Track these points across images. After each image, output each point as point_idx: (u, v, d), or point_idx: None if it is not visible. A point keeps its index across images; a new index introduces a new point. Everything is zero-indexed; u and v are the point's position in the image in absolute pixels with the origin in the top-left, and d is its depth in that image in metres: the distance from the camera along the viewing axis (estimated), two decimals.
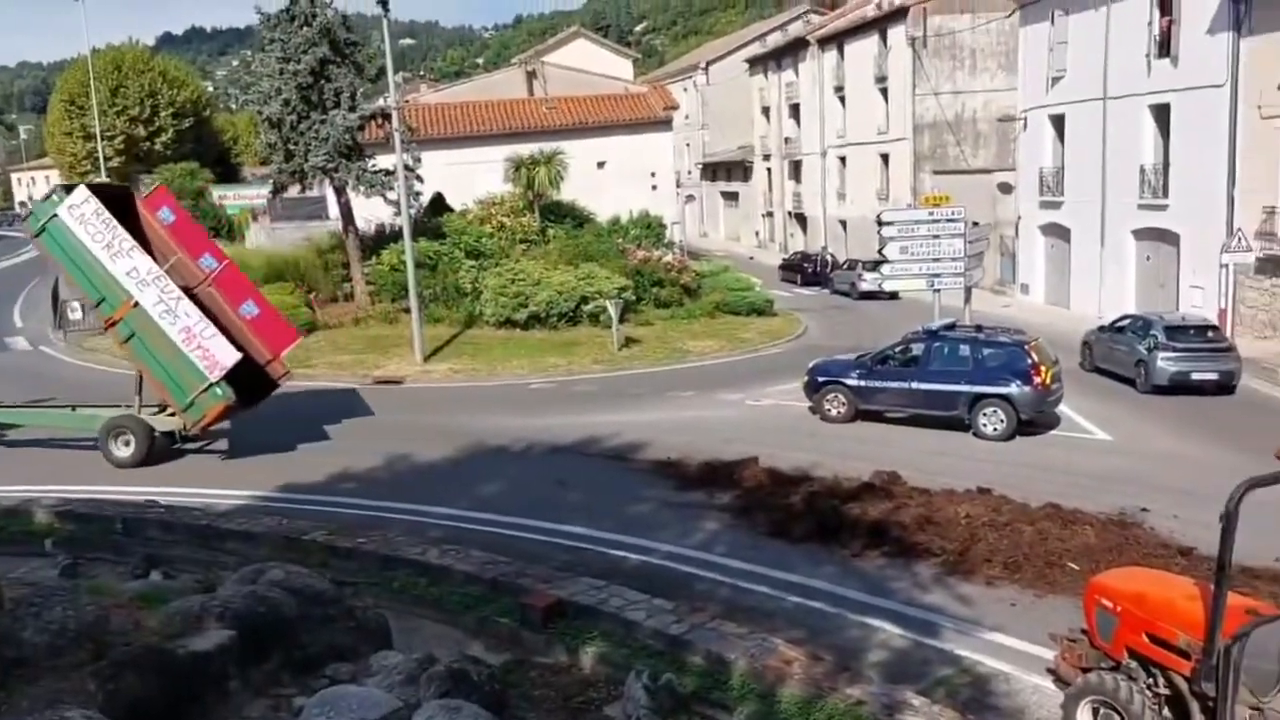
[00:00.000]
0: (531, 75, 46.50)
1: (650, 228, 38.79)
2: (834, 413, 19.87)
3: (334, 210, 34.87)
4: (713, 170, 71.78)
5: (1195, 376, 21.24)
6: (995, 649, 9.95)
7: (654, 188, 41.86)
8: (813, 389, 20.33)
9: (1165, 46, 28.70)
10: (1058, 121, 34.24)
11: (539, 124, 40.87)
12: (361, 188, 30.68)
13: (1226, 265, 26.31)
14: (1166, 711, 7.69)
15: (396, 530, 13.27)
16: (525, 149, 36.15)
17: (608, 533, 13.50)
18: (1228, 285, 26.69)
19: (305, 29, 29.45)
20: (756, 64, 64.09)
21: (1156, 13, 28.89)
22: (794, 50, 57.50)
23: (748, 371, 25.62)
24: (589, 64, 49.78)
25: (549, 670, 9.29)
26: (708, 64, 69.78)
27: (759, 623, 10.29)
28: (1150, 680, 7.79)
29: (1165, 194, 29.14)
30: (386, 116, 29.49)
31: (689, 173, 71.94)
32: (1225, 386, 21.20)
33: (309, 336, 29.70)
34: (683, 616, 9.95)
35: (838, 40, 51.60)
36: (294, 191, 33.68)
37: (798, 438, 18.59)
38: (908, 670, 9.49)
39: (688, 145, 69.96)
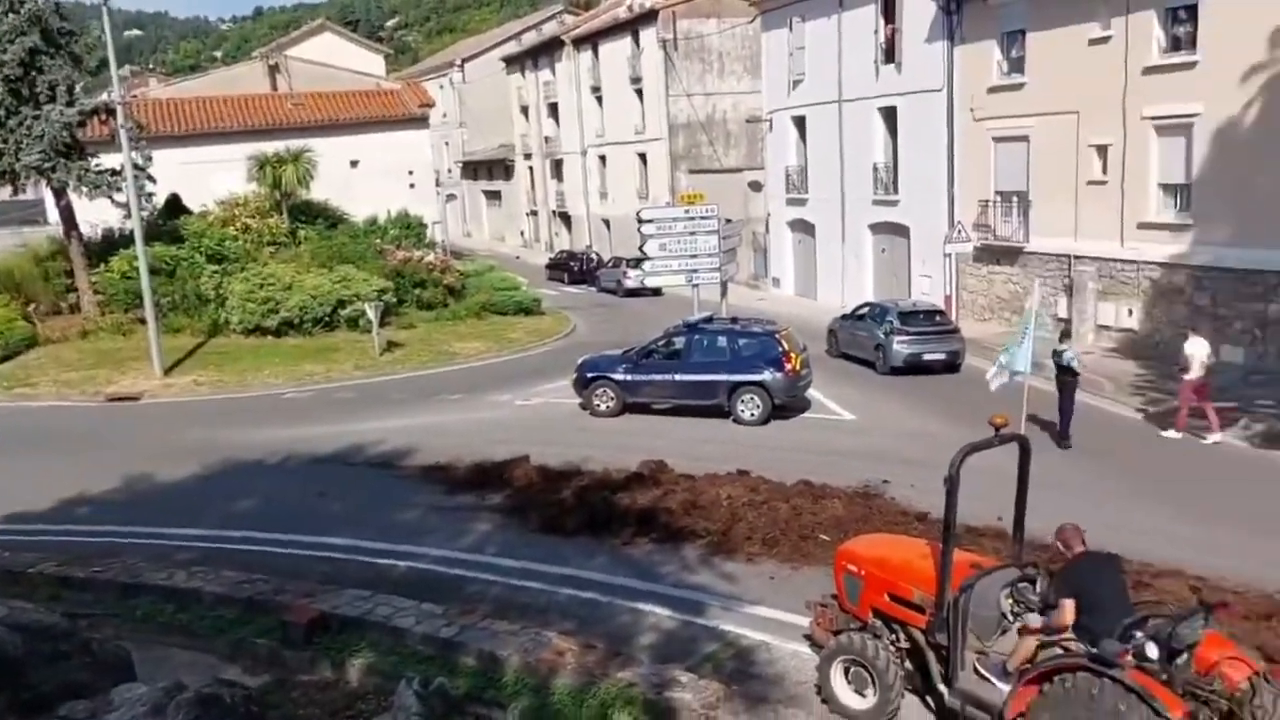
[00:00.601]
0: (274, 70, 44.27)
1: (410, 228, 37.91)
2: (603, 407, 20.18)
3: (54, 214, 31.77)
4: (474, 169, 71.10)
5: (926, 357, 23.11)
6: (757, 621, 10.41)
7: (412, 186, 40.93)
8: (582, 385, 20.55)
9: (890, 53, 31.05)
10: (799, 123, 36.31)
11: (284, 121, 38.94)
12: (84, 189, 28.10)
13: (949, 255, 28.83)
14: (908, 663, 8.32)
15: (139, 556, 12.27)
16: (270, 147, 34.40)
17: (374, 542, 13.08)
18: (951, 273, 29.28)
19: (11, 16, 26.64)
20: (513, 62, 64.03)
21: (882, 21, 31.19)
22: (549, 50, 57.88)
23: (517, 371, 25.56)
24: (337, 59, 47.99)
25: (314, 687, 8.90)
26: (463, 61, 68.99)
27: (532, 618, 10.31)
28: (893, 636, 8.40)
29: (896, 190, 31.55)
30: (111, 112, 27.14)
31: (449, 171, 70.92)
32: (952, 365, 23.18)
33: (29, 353, 27.00)
34: (453, 619, 9.81)
35: (592, 41, 52.42)
36: (5, 194, 30.37)
37: (568, 434, 18.73)
38: (677, 649, 9.77)
39: (446, 143, 68.94)
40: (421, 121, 41.74)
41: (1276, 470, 15.57)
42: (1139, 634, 6.71)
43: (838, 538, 11.85)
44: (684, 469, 15.28)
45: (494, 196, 69.87)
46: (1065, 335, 18.73)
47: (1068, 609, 7.23)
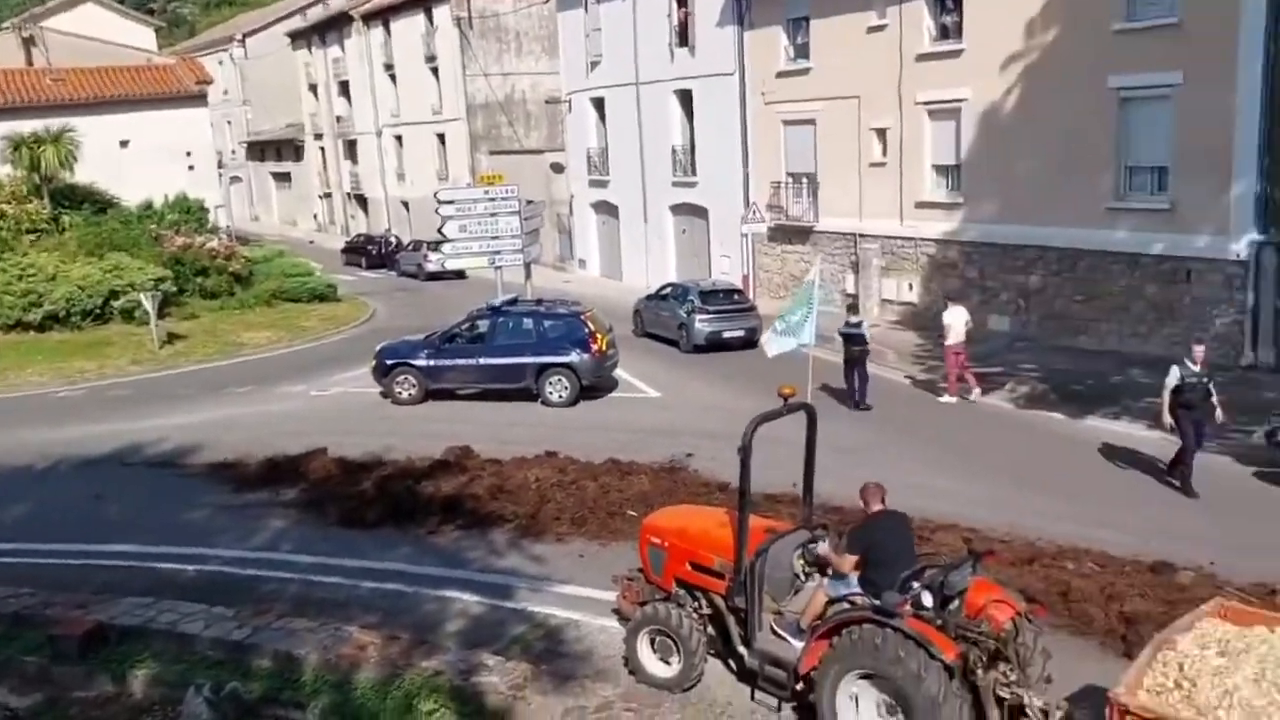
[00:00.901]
0: (29, 42, 40.43)
1: (190, 212, 35.64)
2: (405, 394, 19.69)
3: None
4: (260, 150, 67.55)
5: (726, 335, 23.83)
6: (566, 600, 10.47)
7: (191, 168, 38.36)
8: (382, 372, 19.97)
9: (684, 36, 31.64)
10: (599, 104, 36.48)
11: (43, 98, 35.62)
12: None
13: (746, 235, 29.77)
14: (710, 629, 8.57)
15: None
16: (27, 126, 31.48)
17: (157, 546, 12.29)
18: (748, 253, 30.26)
19: None
20: (299, 38, 61.12)
21: (674, 5, 31.72)
22: (338, 25, 55.57)
23: (312, 361, 24.56)
24: (102, 31, 44.28)
25: (92, 704, 8.28)
26: (244, 36, 65.31)
27: (332, 613, 9.97)
28: (696, 604, 8.63)
29: (694, 172, 32.25)
30: None
31: (233, 153, 67.12)
32: (750, 342, 23.91)
33: None
34: (246, 621, 9.35)
35: (383, 17, 50.75)
36: None
37: (369, 423, 18.18)
38: (485, 634, 9.70)
39: (229, 123, 65.20)
40: (199, 99, 39.17)
41: (1038, 428, 16.97)
42: (916, 585, 7.16)
43: (644, 512, 12.06)
44: (491, 454, 15.13)
45: (283, 179, 66.64)
46: (853, 309, 19.76)
47: (846, 561, 7.72)
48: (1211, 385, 13.39)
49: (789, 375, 13.97)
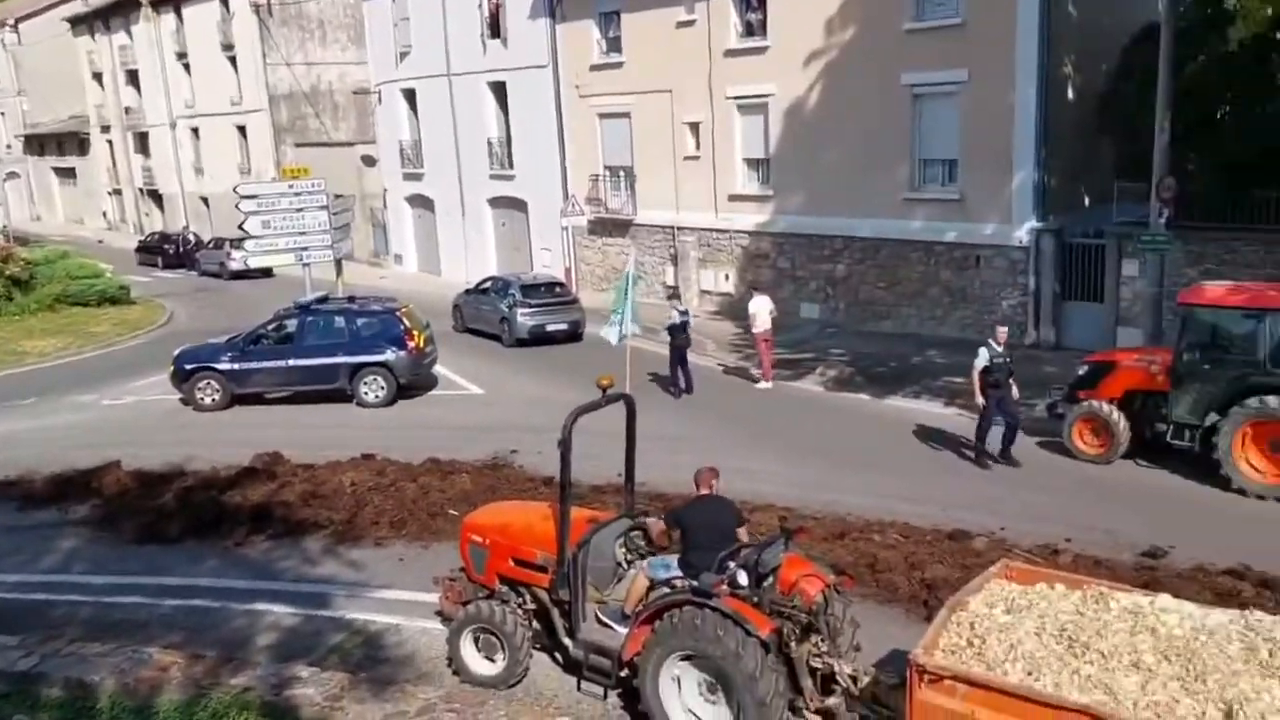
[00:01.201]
0: None
1: None
2: (207, 400, 18.66)
3: None
4: (40, 143, 62.45)
5: (550, 328, 23.76)
6: (386, 605, 10.17)
7: None
8: (181, 378, 18.86)
9: (495, 28, 31.27)
10: (410, 95, 35.60)
11: None
12: None
13: (566, 228, 29.79)
14: (535, 623, 8.51)
15: None
16: None
17: None
18: (569, 246, 30.29)
19: None
20: (80, 23, 56.81)
21: None
22: (123, 10, 51.92)
23: (104, 368, 22.93)
24: None
25: None
26: (17, 21, 60.14)
27: (130, 635, 9.32)
28: (520, 599, 8.55)
29: (511, 165, 31.97)
30: None
31: (8, 147, 61.79)
32: (574, 335, 24.02)
33: None
34: (33, 649, 8.61)
35: (173, 2, 47.78)
36: None
37: (167, 433, 17.13)
38: (300, 645, 9.31)
39: (2, 114, 59.96)
40: None
41: (846, 410, 17.74)
42: (732, 565, 7.33)
43: (466, 511, 11.87)
44: (303, 459, 14.55)
45: (67, 174, 61.85)
46: (678, 298, 20.20)
47: (656, 527, 8.04)
48: (1011, 364, 14.33)
49: (614, 366, 14.12)
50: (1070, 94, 20.69)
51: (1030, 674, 6.19)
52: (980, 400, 14.02)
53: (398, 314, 19.34)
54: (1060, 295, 20.51)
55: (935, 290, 22.16)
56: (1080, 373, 14.67)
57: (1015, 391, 14.34)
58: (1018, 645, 6.42)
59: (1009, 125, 20.20)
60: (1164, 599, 6.95)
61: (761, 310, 19.27)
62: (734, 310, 25.67)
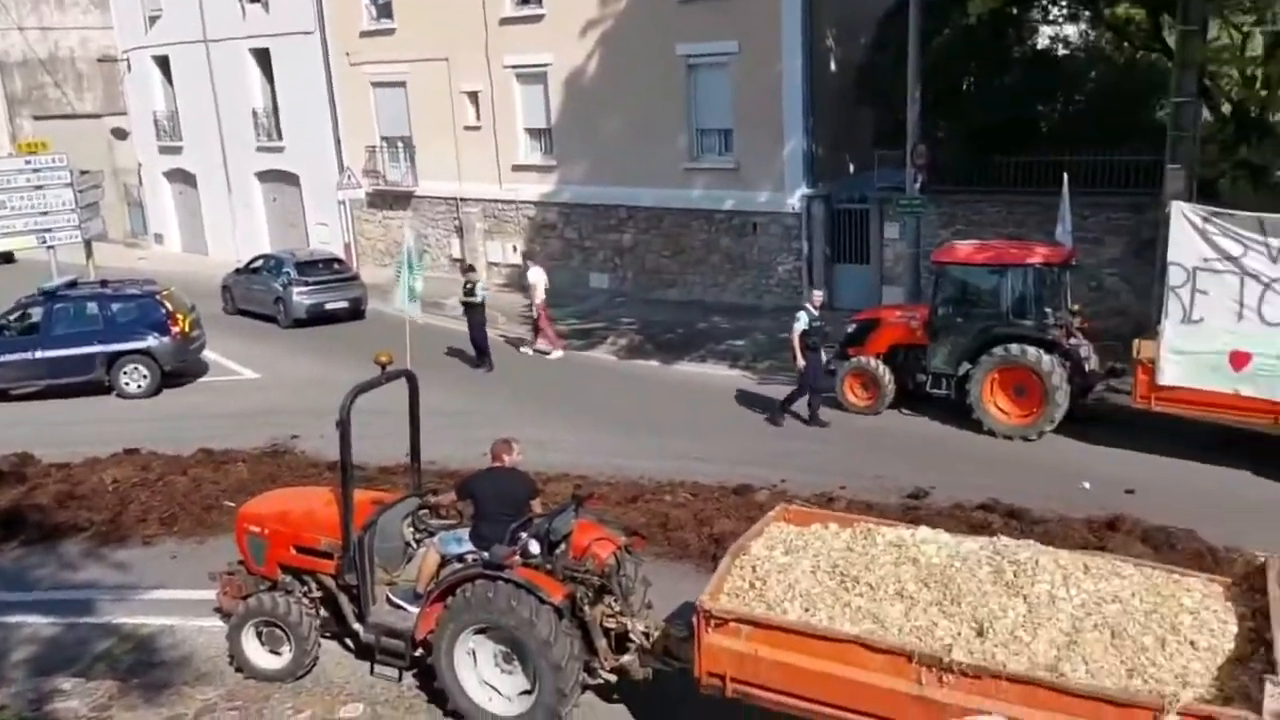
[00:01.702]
0: None
1: None
2: None
3: None
4: None
5: (329, 306, 22.81)
6: (158, 606, 9.59)
7: None
8: None
9: None
10: (163, 63, 33.06)
11: None
12: None
13: (343, 202, 28.61)
14: (323, 611, 8.21)
15: None
16: None
17: None
18: (348, 220, 29.14)
19: None
20: None
21: None
22: None
23: None
24: None
25: None
26: None
27: None
28: (305, 588, 8.23)
29: (280, 136, 30.31)
30: None
31: None
32: (356, 312, 23.17)
33: None
34: None
35: None
36: None
37: None
38: (62, 656, 8.65)
39: None
40: None
41: (637, 376, 18.06)
42: (524, 535, 7.32)
43: (244, 502, 11.30)
44: (57, 458, 13.42)
45: None
46: (472, 269, 19.86)
47: (445, 498, 8.02)
48: (825, 328, 14.74)
49: (398, 343, 13.73)
50: (833, 66, 21.71)
51: (807, 610, 6.55)
52: (801, 362, 14.37)
53: (158, 297, 18.06)
54: (831, 258, 21.62)
55: (717, 257, 22.84)
56: (849, 331, 15.53)
57: (824, 355, 14.80)
58: (795, 584, 6.77)
59: (778, 96, 21.00)
60: (923, 531, 7.51)
61: (539, 281, 19.31)
62: (522, 282, 25.52)
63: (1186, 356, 12.02)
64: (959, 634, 6.24)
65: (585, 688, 7.56)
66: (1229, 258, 11.54)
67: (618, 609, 7.40)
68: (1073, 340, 13.79)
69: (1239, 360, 11.70)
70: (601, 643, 7.29)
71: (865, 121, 22.19)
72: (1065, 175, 15.75)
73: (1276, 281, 11.37)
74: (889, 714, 6.05)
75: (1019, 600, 6.48)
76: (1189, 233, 11.74)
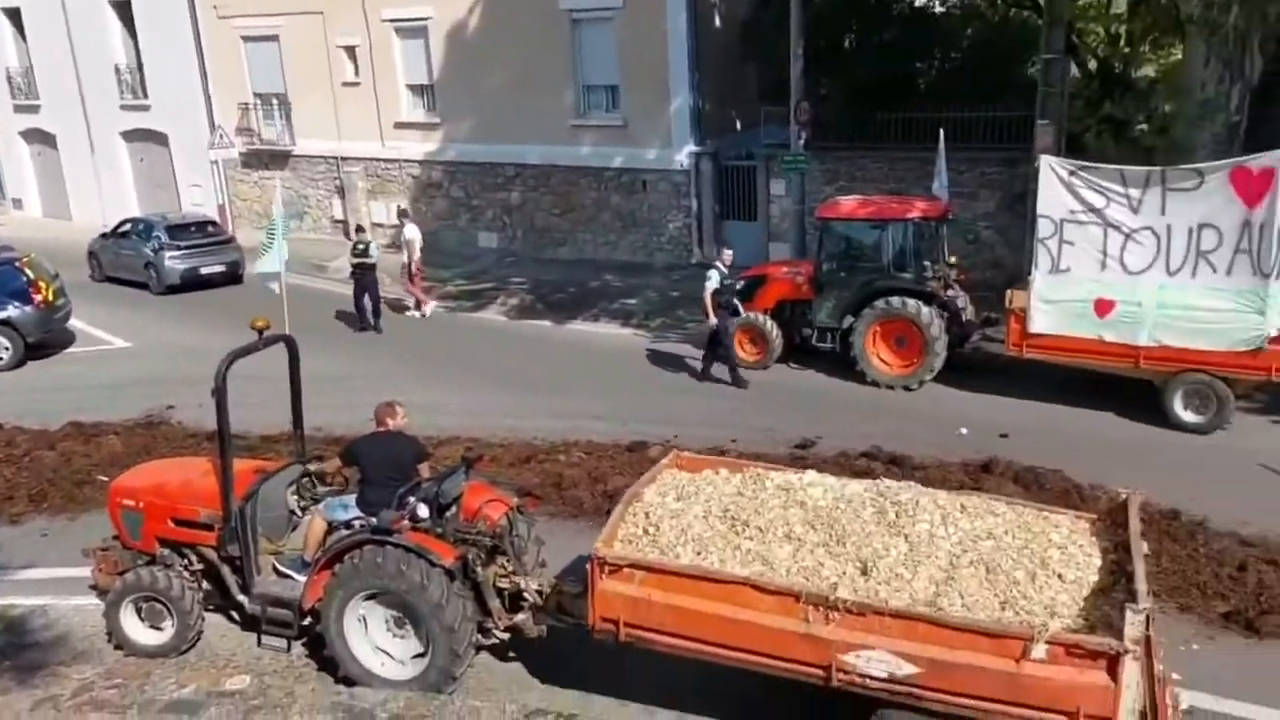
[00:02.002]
0: None
1: None
2: None
3: None
4: None
5: (204, 271, 21.94)
6: (28, 586, 9.20)
7: None
8: None
9: None
10: (13, 15, 30.97)
11: None
12: None
13: (216, 162, 27.43)
14: (205, 584, 7.98)
15: None
16: None
17: None
18: (221, 181, 27.96)
19: None
20: None
21: None
22: None
23: None
24: None
25: None
26: None
27: None
28: (185, 562, 7.98)
29: (145, 94, 28.78)
30: None
31: None
32: (234, 277, 22.35)
33: None
34: None
35: None
36: None
37: None
38: None
39: None
40: None
41: (529, 337, 17.92)
42: (412, 499, 7.23)
43: (117, 475, 10.87)
44: None
45: None
46: (360, 229, 19.33)
47: (332, 462, 7.92)
48: (735, 286, 14.70)
49: (276, 308, 13.29)
50: (717, 21, 21.72)
51: (699, 554, 6.67)
52: (713, 321, 14.34)
53: (18, 265, 17.11)
54: (720, 215, 21.78)
55: (607, 215, 22.76)
56: (738, 287, 15.68)
57: (743, 312, 14.77)
58: (688, 529, 6.88)
59: (664, 52, 20.91)
60: (810, 475, 7.72)
61: (416, 237, 19.00)
62: (398, 240, 24.94)
63: (1055, 305, 12.55)
64: (844, 573, 6.45)
65: (480, 648, 7.56)
66: (1093, 209, 12.06)
67: (510, 569, 7.40)
68: (950, 292, 14.24)
69: (1103, 308, 12.28)
70: (495, 603, 7.28)
71: (750, 78, 22.32)
72: (941, 131, 16.19)
73: (1137, 232, 11.95)
74: (778, 652, 6.23)
75: (901, 539, 6.72)
76: (1056, 186, 12.22)
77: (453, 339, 17.87)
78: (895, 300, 13.87)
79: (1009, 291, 13.37)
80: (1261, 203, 11.22)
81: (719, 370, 14.68)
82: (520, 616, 7.38)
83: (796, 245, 19.10)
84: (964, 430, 12.33)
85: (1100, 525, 7.09)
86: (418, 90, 24.52)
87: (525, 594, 7.35)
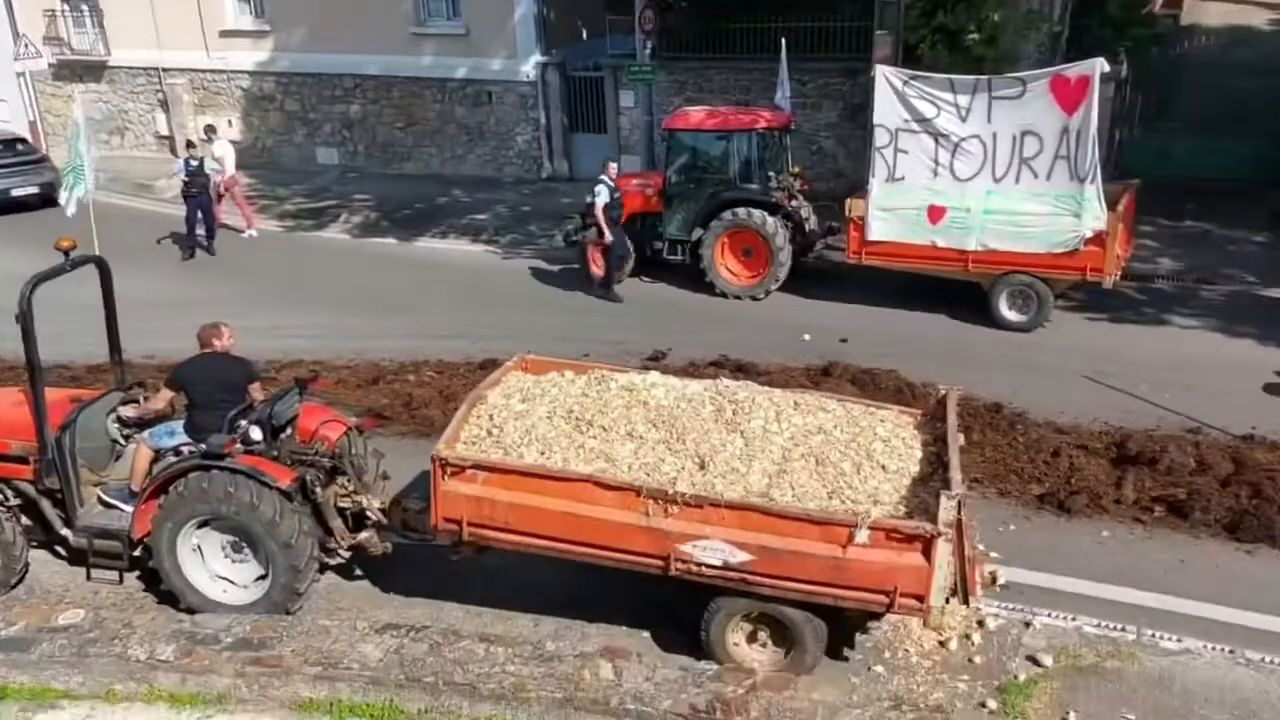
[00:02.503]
0: None
1: None
2: None
3: None
4: None
5: (15, 193, 20.36)
6: None
7: None
8: None
9: None
10: None
11: None
12: None
13: (22, 75, 25.26)
14: (25, 519, 7.58)
15: None
16: None
17: None
18: (31, 96, 25.78)
19: None
20: None
21: None
22: None
23: None
24: None
25: None
26: None
27: None
28: (1, 497, 7.54)
29: None
30: None
31: None
32: (48, 200, 20.73)
33: None
34: None
35: None
36: None
37: None
38: None
39: None
40: None
41: (376, 256, 17.37)
42: (244, 423, 7.00)
43: None
44: None
45: None
46: (191, 144, 18.04)
47: (161, 397, 7.51)
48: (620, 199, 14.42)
49: (107, 232, 12.44)
50: None
51: (543, 453, 6.71)
52: (609, 236, 14.13)
53: None
54: (569, 128, 21.46)
55: (453, 128, 22.12)
56: (588, 200, 15.56)
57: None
58: (532, 429, 6.91)
59: None
60: (653, 375, 7.85)
61: (228, 154, 18.13)
62: (242, 158, 23.64)
63: (891, 213, 12.97)
64: (683, 468, 6.63)
65: (326, 567, 7.48)
66: (925, 119, 12.43)
67: (351, 488, 7.31)
68: (794, 202, 14.48)
69: (935, 214, 12.76)
70: (336, 522, 7.20)
71: None
72: (784, 41, 16.27)
73: (966, 140, 12.39)
74: (619, 545, 6.41)
75: (737, 435, 6.93)
76: (890, 96, 12.51)
77: (294, 259, 17.18)
78: (741, 211, 14.03)
79: (848, 201, 13.70)
80: (1078, 109, 11.76)
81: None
82: (364, 534, 7.31)
83: (646, 158, 19.05)
84: (807, 336, 12.71)
85: (923, 420, 7.47)
86: None
87: (368, 512, 7.27)
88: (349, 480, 7.29)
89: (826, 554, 6.07)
